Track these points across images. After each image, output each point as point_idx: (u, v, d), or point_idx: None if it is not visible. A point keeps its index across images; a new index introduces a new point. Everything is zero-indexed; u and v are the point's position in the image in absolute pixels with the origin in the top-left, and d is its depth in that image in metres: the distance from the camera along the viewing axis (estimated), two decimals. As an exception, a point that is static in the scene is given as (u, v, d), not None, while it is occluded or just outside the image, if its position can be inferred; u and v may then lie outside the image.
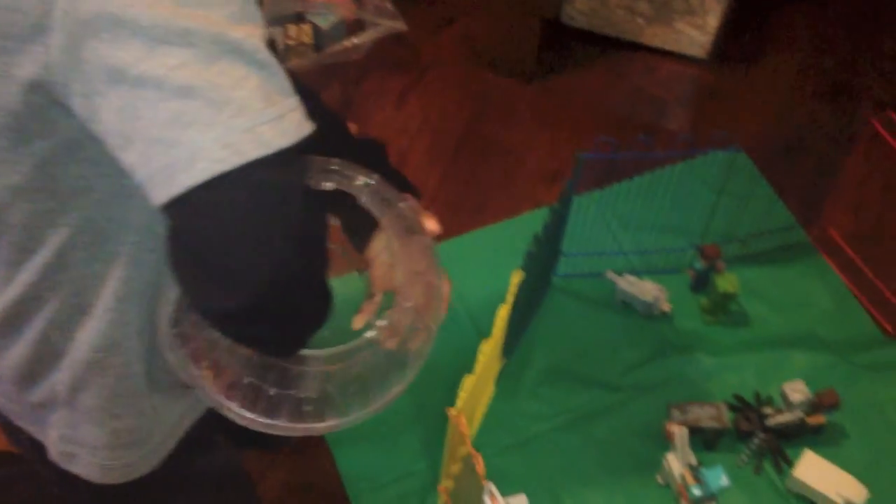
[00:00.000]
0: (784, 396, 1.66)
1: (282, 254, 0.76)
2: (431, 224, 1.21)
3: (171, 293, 0.97)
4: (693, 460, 1.59)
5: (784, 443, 1.71)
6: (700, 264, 1.84)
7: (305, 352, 0.97)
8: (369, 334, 1.03)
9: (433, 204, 2.00)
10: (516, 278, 1.49)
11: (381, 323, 1.05)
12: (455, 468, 1.53)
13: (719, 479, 1.50)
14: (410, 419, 1.71)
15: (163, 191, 0.75)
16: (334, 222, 1.22)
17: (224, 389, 0.98)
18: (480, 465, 1.31)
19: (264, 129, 0.74)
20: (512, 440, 1.71)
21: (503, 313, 1.47)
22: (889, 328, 1.88)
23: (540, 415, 1.74)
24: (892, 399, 1.78)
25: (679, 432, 1.58)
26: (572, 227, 1.87)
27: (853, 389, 1.77)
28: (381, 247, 1.16)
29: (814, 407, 1.68)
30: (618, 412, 1.75)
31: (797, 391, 1.64)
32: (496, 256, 1.54)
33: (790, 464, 1.66)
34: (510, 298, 1.50)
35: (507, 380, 1.77)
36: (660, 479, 1.66)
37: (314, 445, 1.66)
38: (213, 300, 0.77)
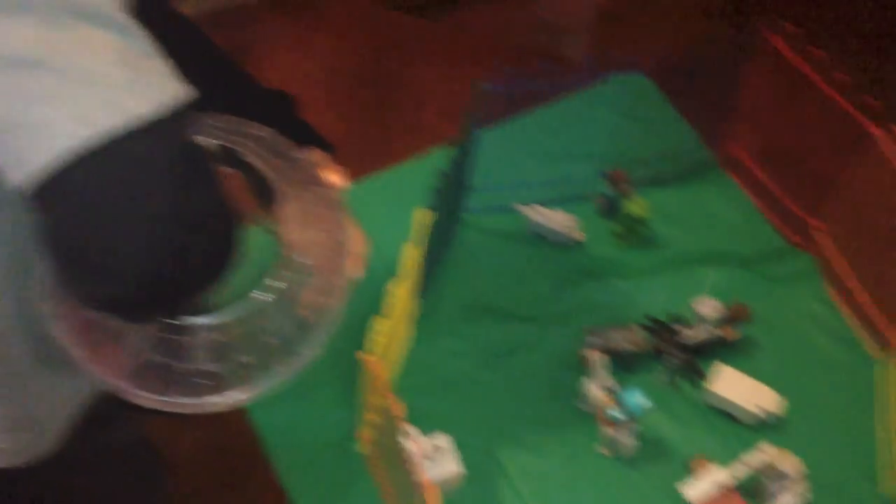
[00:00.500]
0: (697, 312, 1.68)
1: (157, 236, 0.68)
2: (335, 177, 1.17)
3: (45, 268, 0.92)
4: (610, 384, 1.60)
5: (699, 359, 1.74)
6: (609, 190, 1.85)
7: (196, 320, 0.92)
8: (260, 296, 0.99)
9: (337, 148, 1.96)
10: (421, 217, 1.47)
11: (275, 284, 1.00)
12: (373, 415, 1.52)
13: (638, 400, 1.52)
14: (326, 368, 1.68)
15: (17, 174, 0.67)
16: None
17: (112, 367, 0.93)
18: (397, 408, 1.30)
19: (123, 96, 0.66)
20: (433, 381, 1.70)
21: (411, 253, 1.45)
22: (795, 238, 1.91)
23: (460, 353, 1.74)
24: (803, 309, 1.83)
25: (594, 357, 1.60)
26: (480, 161, 1.86)
27: (764, 302, 1.80)
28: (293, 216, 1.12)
29: (726, 321, 1.70)
30: (536, 344, 1.76)
31: (708, 306, 1.67)
32: (405, 197, 1.51)
33: (705, 379, 1.69)
34: (417, 237, 1.48)
35: (423, 320, 1.76)
36: (580, 406, 1.68)
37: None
38: (90, 291, 0.72)
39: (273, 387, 1.08)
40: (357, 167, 2.00)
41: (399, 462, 1.37)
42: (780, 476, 1.52)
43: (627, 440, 1.59)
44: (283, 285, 1.02)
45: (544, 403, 1.69)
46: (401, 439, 1.30)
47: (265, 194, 1.14)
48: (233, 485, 1.56)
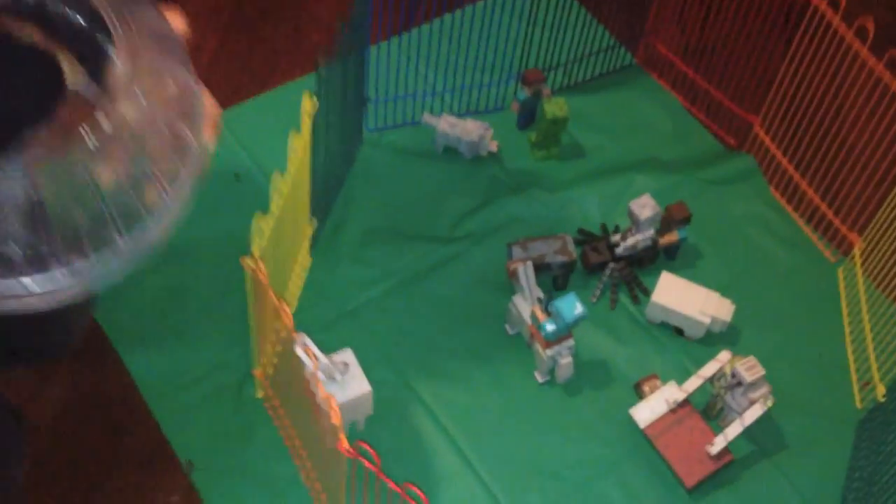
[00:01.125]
0: (632, 216, 1.48)
1: None
2: (177, 21, 0.93)
3: None
4: (541, 294, 1.39)
5: (639, 271, 1.54)
6: (524, 93, 1.64)
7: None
8: (88, 141, 0.74)
9: (214, 69, 1.71)
10: (307, 104, 1.24)
11: (105, 128, 0.76)
12: (268, 344, 1.28)
13: (573, 307, 1.31)
14: (213, 302, 1.44)
15: None
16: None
17: None
18: (287, 316, 1.06)
19: None
20: (338, 312, 1.47)
21: (297, 144, 1.22)
22: (731, 140, 1.73)
23: (367, 280, 1.51)
24: (749, 212, 1.64)
25: (522, 268, 1.38)
26: (378, 74, 1.64)
27: (704, 206, 1.61)
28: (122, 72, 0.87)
29: (665, 224, 1.51)
30: (453, 265, 1.54)
31: (646, 206, 1.47)
32: (291, 117, 1.29)
33: (647, 293, 1.50)
34: (304, 129, 1.24)
35: (324, 247, 1.52)
36: (509, 329, 1.46)
37: (96, 351, 1.37)
38: None
39: (114, 271, 0.82)
40: (238, 88, 1.78)
41: (298, 389, 1.13)
42: (741, 386, 1.33)
43: (565, 360, 1.38)
44: (110, 130, 0.76)
45: (466, 330, 1.47)
46: (298, 352, 1.07)
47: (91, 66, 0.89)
48: (109, 441, 1.31)
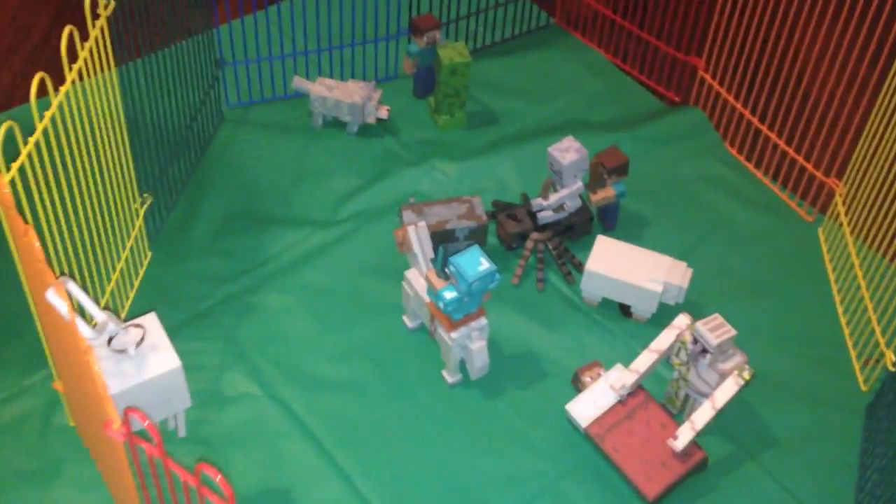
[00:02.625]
0: (553, 165, 1.16)
1: None
2: None
3: None
4: (432, 253, 1.06)
5: (571, 244, 1.23)
6: (416, 45, 1.35)
7: None
8: None
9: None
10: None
11: None
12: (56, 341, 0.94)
13: (476, 262, 0.98)
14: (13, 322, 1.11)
15: None
16: None
17: None
18: (48, 275, 0.73)
19: None
20: (186, 314, 1.13)
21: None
22: (672, 95, 1.45)
23: (223, 275, 1.18)
24: (697, 170, 1.34)
25: (413, 229, 1.06)
26: (233, 38, 1.35)
27: (647, 167, 1.31)
28: None
29: (595, 177, 1.20)
30: (336, 251, 1.22)
31: (568, 150, 1.16)
32: None
33: (582, 267, 1.18)
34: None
35: (168, 240, 1.20)
36: (408, 322, 1.14)
37: None
38: None
39: None
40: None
41: (78, 375, 0.79)
42: (706, 355, 1.00)
43: (476, 344, 1.05)
44: None
45: (353, 327, 1.14)
46: (50, 298, 0.73)
47: None
48: None
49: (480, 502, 1.00)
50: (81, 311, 0.95)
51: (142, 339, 0.92)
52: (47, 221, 0.90)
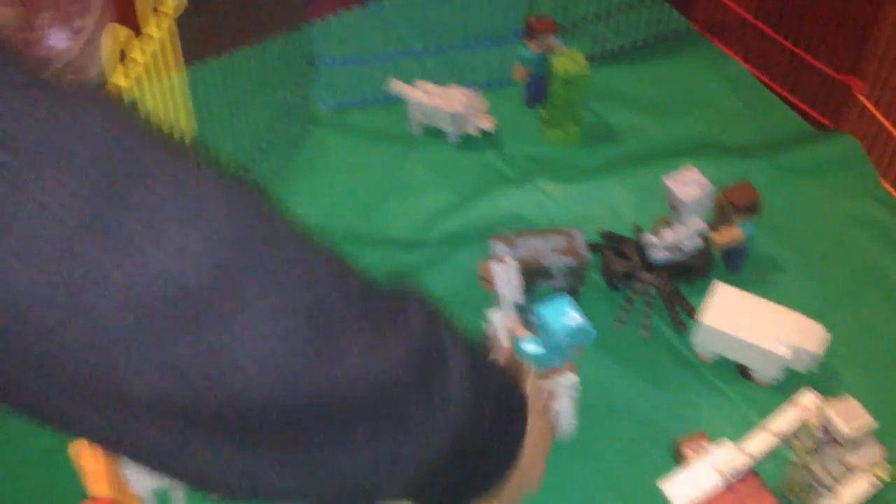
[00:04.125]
0: (671, 199, 1.01)
1: None
2: None
3: None
4: (521, 299, 0.93)
5: (685, 287, 1.07)
6: (529, 50, 1.21)
7: None
8: None
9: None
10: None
11: None
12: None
13: (563, 314, 0.85)
14: None
15: None
16: None
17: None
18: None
19: None
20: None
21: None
22: (823, 119, 1.26)
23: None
24: (845, 209, 1.15)
25: (499, 266, 0.93)
26: (331, 33, 1.25)
27: (785, 201, 1.14)
28: None
29: (721, 214, 1.04)
30: (420, 276, 1.10)
31: (691, 183, 1.00)
32: None
33: (694, 315, 1.02)
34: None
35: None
36: (489, 365, 1.01)
37: None
38: None
39: None
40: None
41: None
42: (836, 446, 0.83)
43: (561, 405, 0.92)
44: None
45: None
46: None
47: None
48: None
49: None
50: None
51: None
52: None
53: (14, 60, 0.41)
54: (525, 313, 0.89)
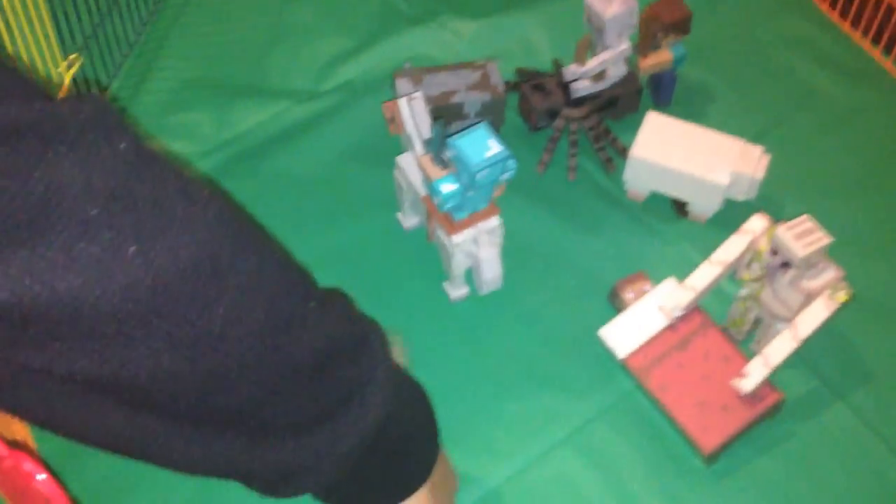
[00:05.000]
0: (592, 19, 0.90)
1: None
2: None
3: None
4: (429, 132, 0.82)
5: (612, 124, 0.97)
6: None
7: None
8: None
9: None
10: None
11: None
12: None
13: (483, 144, 0.74)
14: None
15: None
16: None
17: None
18: None
19: None
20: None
21: None
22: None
23: (180, 156, 0.95)
24: (779, 31, 1.06)
25: (405, 101, 0.82)
26: None
27: (714, 25, 1.04)
28: None
29: (647, 35, 0.93)
30: (318, 131, 0.97)
31: (605, 0, 0.89)
32: None
33: (624, 153, 0.93)
34: None
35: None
36: (403, 221, 0.90)
37: None
38: None
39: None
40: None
41: None
42: (788, 270, 0.76)
43: (486, 251, 0.82)
44: None
45: (336, 226, 0.91)
46: None
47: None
48: None
49: (488, 450, 0.78)
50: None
51: None
52: None
53: None
54: (436, 150, 0.78)
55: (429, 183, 0.78)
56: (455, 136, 0.74)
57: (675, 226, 0.91)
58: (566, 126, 0.95)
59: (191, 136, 0.97)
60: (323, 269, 0.91)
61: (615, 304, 0.84)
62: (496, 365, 0.83)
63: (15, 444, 0.56)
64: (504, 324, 0.85)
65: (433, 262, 0.88)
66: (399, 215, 0.91)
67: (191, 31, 1.05)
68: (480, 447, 0.78)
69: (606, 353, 0.82)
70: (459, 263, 0.83)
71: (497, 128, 0.94)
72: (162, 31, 1.05)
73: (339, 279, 0.91)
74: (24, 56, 0.82)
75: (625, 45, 0.91)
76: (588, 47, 0.93)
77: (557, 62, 1.00)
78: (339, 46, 1.04)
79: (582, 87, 0.93)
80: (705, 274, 0.78)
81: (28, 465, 0.50)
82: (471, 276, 0.86)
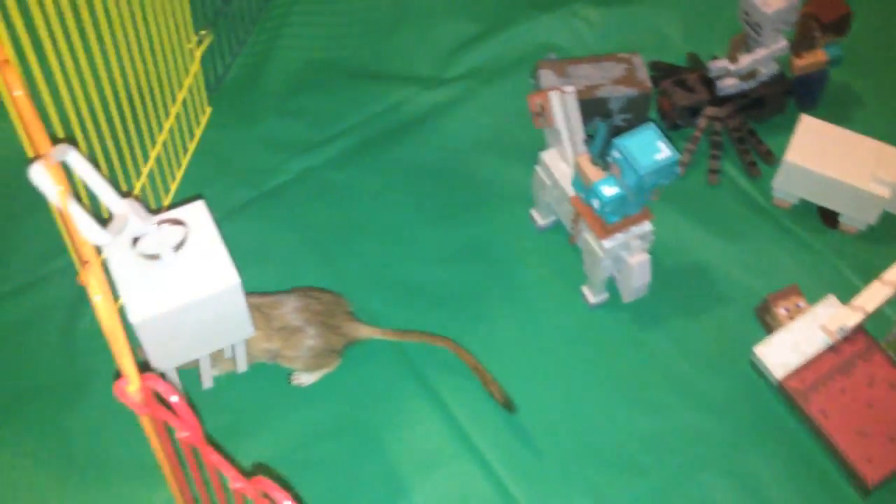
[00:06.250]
0: (750, 13, 0.85)
1: None
2: None
3: None
4: (583, 134, 0.77)
5: (757, 126, 0.93)
6: None
7: None
8: None
9: None
10: None
11: None
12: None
13: (653, 147, 0.70)
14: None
15: None
16: None
17: None
18: (42, 142, 0.48)
19: None
20: (253, 191, 0.88)
21: None
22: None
23: (299, 143, 0.92)
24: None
25: (557, 96, 0.77)
26: None
27: (862, 21, 0.99)
28: None
29: (804, 35, 0.88)
30: (443, 120, 0.94)
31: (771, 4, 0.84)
32: None
33: (773, 158, 0.88)
34: None
35: (232, 94, 0.94)
36: (538, 219, 0.86)
37: None
38: None
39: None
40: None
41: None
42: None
43: (636, 258, 0.78)
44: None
45: (464, 223, 0.88)
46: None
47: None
48: None
49: (627, 468, 0.74)
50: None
51: (182, 241, 0.66)
52: (61, 65, 0.64)
53: None
54: (598, 151, 0.74)
55: (586, 184, 0.73)
56: (622, 137, 0.70)
57: (824, 237, 0.87)
58: (709, 126, 0.90)
59: (314, 121, 0.93)
60: (453, 266, 0.87)
61: (764, 319, 0.80)
62: (633, 376, 0.79)
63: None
64: (644, 334, 0.81)
65: (570, 264, 0.84)
66: (533, 212, 0.87)
67: (313, 8, 1.02)
68: (614, 460, 0.75)
69: (752, 371, 0.78)
70: (605, 269, 0.79)
71: (636, 125, 0.89)
72: (285, 8, 1.01)
73: (469, 277, 0.87)
74: (156, 34, 0.79)
75: (782, 43, 0.86)
76: (741, 44, 0.88)
77: (694, 56, 0.95)
78: (465, 31, 1.00)
79: (730, 85, 0.89)
80: (876, 294, 0.74)
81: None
82: (612, 283, 0.82)
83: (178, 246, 0.65)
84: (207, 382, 0.75)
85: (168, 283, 0.64)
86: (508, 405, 0.75)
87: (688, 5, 1.02)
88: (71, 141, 0.65)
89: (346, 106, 0.95)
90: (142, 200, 0.73)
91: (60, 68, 0.66)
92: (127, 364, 0.45)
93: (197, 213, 0.67)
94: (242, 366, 0.75)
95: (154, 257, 0.65)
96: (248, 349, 0.74)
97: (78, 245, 0.47)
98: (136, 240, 0.64)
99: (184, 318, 0.64)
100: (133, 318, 0.63)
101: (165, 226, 0.65)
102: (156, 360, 0.67)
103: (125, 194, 0.63)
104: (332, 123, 0.93)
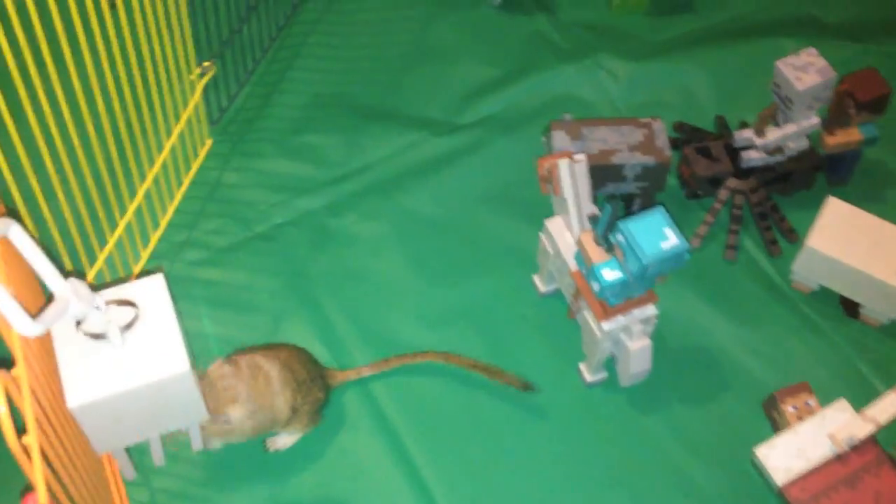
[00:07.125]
0: (780, 86, 0.80)
1: None
2: None
3: None
4: (596, 210, 0.73)
5: (781, 200, 0.88)
6: None
7: None
8: None
9: None
10: None
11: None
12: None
13: (660, 233, 0.65)
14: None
15: None
16: None
17: None
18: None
19: None
20: (251, 231, 0.85)
21: None
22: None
23: (304, 183, 0.88)
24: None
25: (565, 164, 0.73)
26: None
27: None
28: None
29: (838, 111, 0.83)
30: (456, 168, 0.90)
31: (809, 67, 0.79)
32: None
33: (795, 236, 0.83)
34: None
35: (234, 126, 0.91)
36: (539, 285, 0.82)
37: None
38: None
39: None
40: None
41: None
42: None
43: (636, 343, 0.73)
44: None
45: (466, 282, 0.84)
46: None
47: None
48: None
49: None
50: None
51: (132, 322, 0.62)
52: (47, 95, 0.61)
53: None
54: (602, 230, 0.69)
55: (587, 265, 0.69)
56: (628, 220, 0.66)
57: (844, 328, 0.81)
58: (729, 198, 0.85)
59: (320, 160, 0.90)
60: (446, 329, 0.83)
61: (771, 415, 0.75)
62: (627, 463, 0.75)
63: None
64: (641, 420, 0.77)
65: (569, 337, 0.79)
66: (536, 278, 0.82)
67: (329, 41, 0.98)
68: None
69: (756, 470, 0.73)
70: (604, 350, 0.74)
71: (654, 195, 0.84)
72: (293, 41, 0.97)
73: (461, 343, 0.83)
74: (160, 63, 0.75)
75: (814, 120, 0.81)
76: (770, 116, 0.83)
77: (722, 120, 0.91)
78: (483, 75, 0.96)
79: (755, 158, 0.84)
80: (890, 406, 0.69)
81: None
82: (611, 362, 0.78)
83: (127, 326, 0.61)
84: (158, 461, 0.71)
85: (113, 365, 0.60)
86: (527, 387, 0.76)
87: (719, 63, 0.97)
88: (16, 215, 0.60)
89: (351, 147, 0.91)
90: (86, 280, 0.69)
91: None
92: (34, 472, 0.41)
93: (154, 289, 0.63)
94: (197, 445, 0.71)
95: (100, 337, 0.61)
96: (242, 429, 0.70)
97: (5, 337, 0.43)
98: (79, 322, 0.60)
99: (127, 403, 0.60)
100: (70, 402, 0.58)
101: (113, 306, 0.62)
102: (97, 444, 0.63)
103: (69, 273, 0.59)
104: (335, 165, 0.90)
